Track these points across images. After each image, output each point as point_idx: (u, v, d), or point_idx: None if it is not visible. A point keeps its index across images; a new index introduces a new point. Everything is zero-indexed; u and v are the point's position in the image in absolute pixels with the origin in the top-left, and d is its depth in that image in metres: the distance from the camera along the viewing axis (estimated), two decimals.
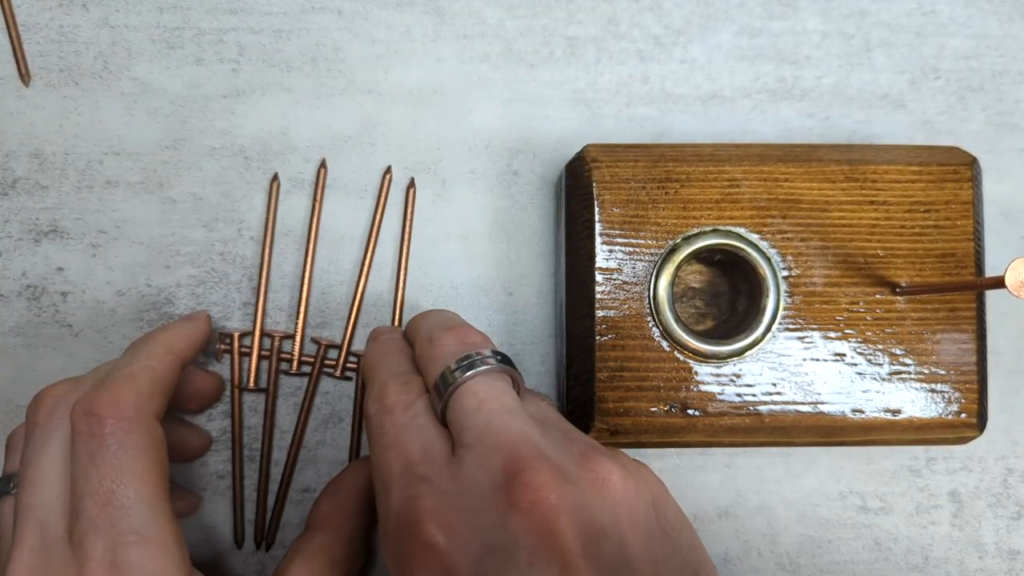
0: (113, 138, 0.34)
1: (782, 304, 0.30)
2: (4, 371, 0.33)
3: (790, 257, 0.30)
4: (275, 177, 0.33)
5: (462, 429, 0.24)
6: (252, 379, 0.33)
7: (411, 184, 0.34)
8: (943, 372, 0.30)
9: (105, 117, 0.34)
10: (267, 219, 0.33)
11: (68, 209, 0.33)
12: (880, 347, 0.30)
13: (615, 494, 0.23)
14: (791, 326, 0.30)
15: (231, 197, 0.34)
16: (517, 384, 0.26)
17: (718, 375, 0.30)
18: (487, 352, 0.26)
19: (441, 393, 0.25)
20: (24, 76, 0.30)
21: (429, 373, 0.26)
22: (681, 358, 0.30)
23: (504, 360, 0.26)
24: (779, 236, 0.30)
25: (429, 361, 0.26)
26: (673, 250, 0.30)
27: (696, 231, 0.30)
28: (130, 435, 0.24)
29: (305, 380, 0.33)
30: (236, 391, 0.33)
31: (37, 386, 0.28)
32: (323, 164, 0.34)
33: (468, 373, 0.25)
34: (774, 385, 0.30)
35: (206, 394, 0.32)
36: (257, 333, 0.33)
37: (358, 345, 0.33)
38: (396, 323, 0.33)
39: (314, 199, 0.34)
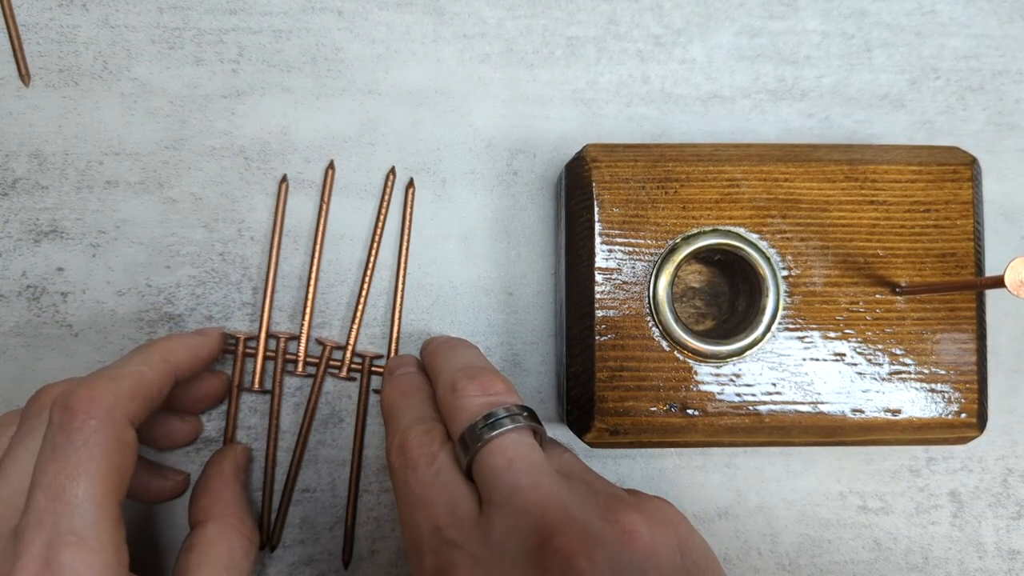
0: (113, 138, 0.34)
1: (782, 304, 0.30)
2: (4, 371, 0.33)
3: (790, 257, 0.30)
4: (284, 178, 0.33)
5: (491, 488, 0.24)
6: (258, 380, 0.33)
7: (410, 184, 0.34)
8: (943, 372, 0.30)
9: (105, 117, 0.34)
10: (275, 220, 0.33)
11: (68, 209, 0.33)
12: (880, 347, 0.30)
13: (642, 547, 0.23)
14: (791, 326, 0.30)
15: (231, 197, 0.34)
16: (540, 438, 0.27)
17: (718, 375, 0.30)
18: (514, 408, 0.26)
19: (467, 448, 0.25)
20: (24, 76, 0.30)
21: (453, 425, 0.26)
22: (681, 358, 0.30)
23: (531, 416, 0.26)
24: (779, 236, 0.30)
25: (453, 411, 0.26)
26: (673, 250, 0.30)
27: (696, 231, 0.30)
28: (96, 434, 0.24)
29: (304, 380, 0.33)
30: (236, 391, 0.33)
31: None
32: (331, 165, 0.34)
33: (496, 432, 0.25)
34: (774, 385, 0.30)
35: (214, 395, 0.32)
36: (263, 334, 0.33)
37: (361, 345, 0.33)
38: (396, 323, 0.33)
39: (321, 200, 0.34)
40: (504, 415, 0.25)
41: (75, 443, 0.23)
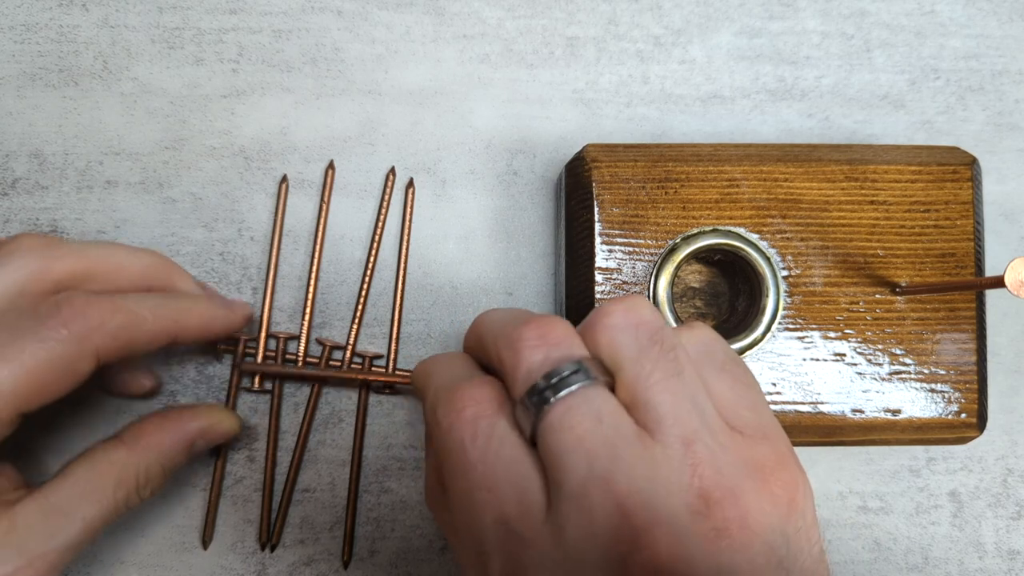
0: (113, 138, 0.34)
1: (782, 304, 0.30)
2: None
3: (790, 257, 0.30)
4: (284, 179, 0.33)
5: (560, 470, 0.20)
6: (258, 380, 0.33)
7: (410, 184, 0.34)
8: (943, 372, 0.30)
9: (105, 117, 0.34)
10: (275, 220, 0.33)
11: (68, 209, 0.33)
12: (880, 347, 0.30)
13: (733, 543, 0.19)
14: (791, 326, 0.30)
15: (231, 197, 0.34)
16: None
17: None
18: (581, 357, 0.21)
19: (528, 412, 0.21)
20: None
21: (513, 386, 0.22)
22: None
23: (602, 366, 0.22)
24: (779, 236, 0.30)
25: (510, 370, 0.22)
26: (673, 250, 0.30)
27: (696, 231, 0.30)
28: (60, 344, 0.24)
29: (305, 381, 0.33)
30: (235, 390, 0.33)
31: None
32: (331, 165, 0.34)
33: (563, 393, 0.21)
34: (774, 385, 0.30)
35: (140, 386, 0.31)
36: (263, 334, 0.33)
37: (361, 345, 0.33)
38: (396, 323, 0.33)
39: (322, 200, 0.34)
40: (572, 369, 0.21)
41: (35, 337, 0.23)
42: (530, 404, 0.21)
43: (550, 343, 0.22)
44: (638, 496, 0.19)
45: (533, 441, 0.21)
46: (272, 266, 0.33)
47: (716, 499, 0.20)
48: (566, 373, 0.21)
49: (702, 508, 0.20)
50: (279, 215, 0.33)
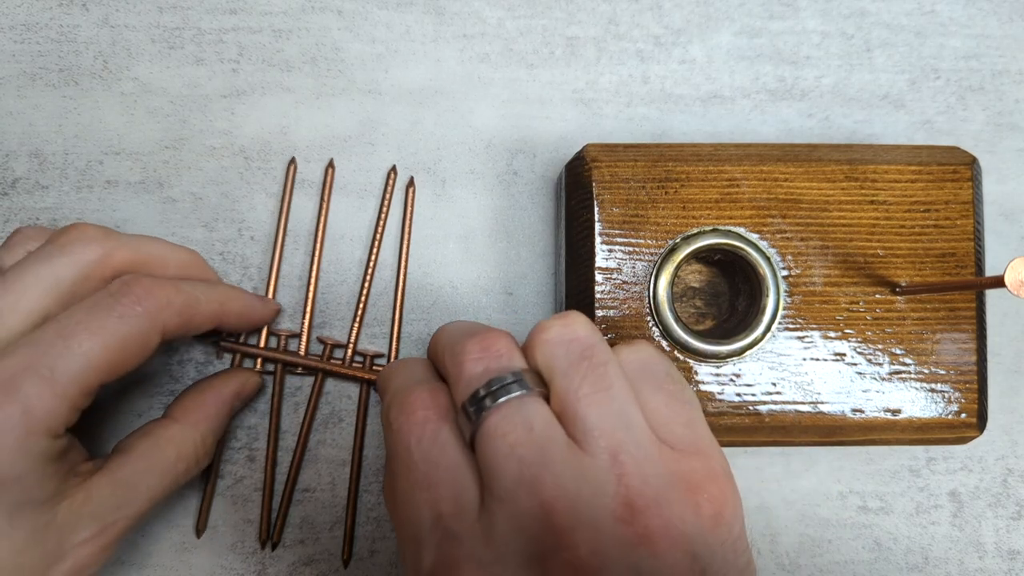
0: (113, 138, 0.34)
1: (782, 304, 0.30)
2: None
3: (790, 257, 0.30)
4: (292, 161, 0.33)
5: (492, 476, 0.22)
6: (259, 363, 0.33)
7: (410, 183, 0.34)
8: (943, 372, 0.30)
9: (105, 117, 0.34)
10: (282, 206, 0.33)
11: (68, 209, 0.33)
12: (880, 347, 0.30)
13: (654, 550, 0.21)
14: (791, 326, 0.30)
15: (231, 197, 0.34)
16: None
17: (718, 375, 0.30)
18: (519, 368, 0.23)
19: (469, 420, 0.23)
20: None
21: (455, 394, 0.24)
22: (681, 358, 0.30)
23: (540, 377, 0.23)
24: (779, 236, 0.30)
25: (455, 381, 0.24)
26: (673, 250, 0.30)
27: (696, 231, 0.30)
28: (136, 319, 0.25)
29: (303, 380, 0.33)
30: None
31: None
32: (331, 164, 0.34)
33: (497, 402, 0.22)
34: (774, 385, 0.30)
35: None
36: (264, 332, 0.33)
37: (363, 344, 0.33)
38: (396, 322, 0.33)
39: (321, 199, 0.34)
40: (509, 380, 0.23)
41: (113, 313, 0.25)
42: (469, 412, 0.23)
43: (491, 355, 0.23)
44: (563, 500, 0.21)
45: (473, 446, 0.23)
46: (276, 258, 0.33)
47: (640, 507, 0.21)
48: (502, 384, 0.22)
49: (626, 515, 0.21)
50: (286, 198, 0.33)
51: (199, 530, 0.32)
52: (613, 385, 0.23)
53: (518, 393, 0.22)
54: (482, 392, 0.23)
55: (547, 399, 0.23)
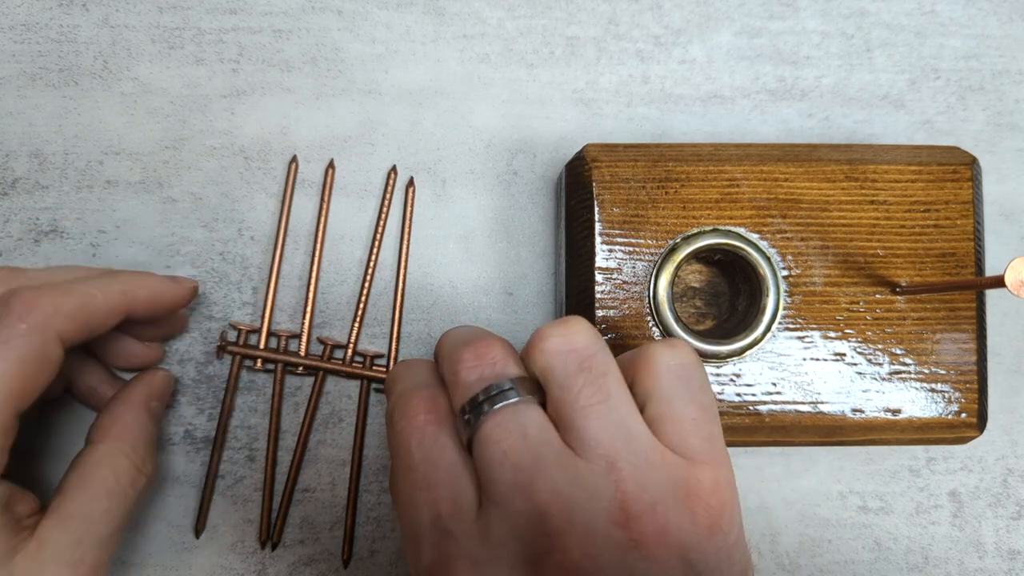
0: (113, 138, 0.34)
1: (782, 304, 0.30)
2: None
3: (790, 257, 0.30)
4: (294, 159, 0.33)
5: (488, 480, 0.22)
6: (260, 362, 0.33)
7: (410, 183, 0.34)
8: (943, 372, 0.30)
9: (105, 117, 0.34)
10: (282, 204, 0.33)
11: (68, 209, 0.33)
12: (880, 347, 0.30)
13: (648, 554, 0.21)
14: (791, 326, 0.30)
15: (231, 197, 0.34)
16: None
17: (718, 375, 0.30)
18: (514, 375, 0.24)
19: (467, 425, 0.23)
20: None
21: (453, 400, 0.24)
22: None
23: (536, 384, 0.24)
24: (779, 236, 0.30)
25: (452, 388, 0.25)
26: (673, 250, 0.30)
27: (696, 231, 0.30)
28: (23, 338, 0.24)
29: (303, 380, 0.33)
30: (233, 389, 0.33)
31: None
32: (331, 165, 0.34)
33: (496, 407, 0.23)
34: (774, 385, 0.30)
35: (169, 333, 0.32)
36: (265, 332, 0.33)
37: (361, 345, 0.33)
38: (396, 323, 0.33)
39: (322, 199, 0.34)
40: (504, 388, 0.23)
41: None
42: (466, 418, 0.23)
43: (485, 363, 0.24)
44: (557, 503, 0.21)
45: (470, 450, 0.23)
46: (277, 256, 0.33)
47: (635, 512, 0.21)
48: (499, 390, 0.23)
49: (621, 519, 0.21)
50: (287, 198, 0.33)
51: (198, 530, 0.32)
52: (611, 396, 0.23)
53: (513, 400, 0.23)
54: (480, 398, 0.23)
55: (543, 405, 0.24)
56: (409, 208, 0.34)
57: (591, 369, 0.23)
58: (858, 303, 0.30)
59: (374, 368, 0.33)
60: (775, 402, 0.30)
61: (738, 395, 0.30)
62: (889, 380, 0.30)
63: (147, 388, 0.30)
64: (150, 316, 0.29)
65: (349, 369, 0.33)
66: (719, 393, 0.30)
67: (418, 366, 0.27)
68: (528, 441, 0.22)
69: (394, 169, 0.34)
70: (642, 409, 0.24)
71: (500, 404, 0.23)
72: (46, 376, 0.25)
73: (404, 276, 0.34)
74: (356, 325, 0.33)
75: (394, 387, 0.26)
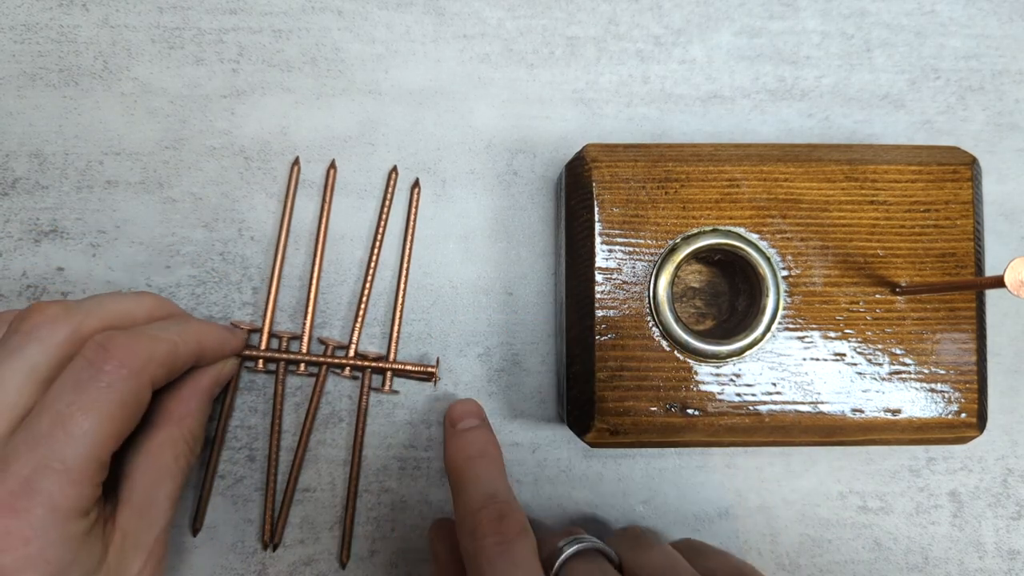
0: (113, 138, 0.34)
1: (782, 304, 0.30)
2: None
3: (790, 257, 0.30)
4: (296, 160, 0.33)
5: None
6: (261, 363, 0.33)
7: (415, 184, 0.34)
8: (943, 372, 0.30)
9: (105, 117, 0.34)
10: (284, 204, 0.33)
11: (68, 209, 0.33)
12: (880, 347, 0.30)
13: None
14: (791, 326, 0.30)
15: (231, 197, 0.34)
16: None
17: (718, 375, 0.30)
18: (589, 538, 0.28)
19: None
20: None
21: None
22: (681, 358, 0.30)
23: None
24: (779, 236, 0.30)
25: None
26: (673, 250, 0.30)
27: (696, 231, 0.30)
28: (123, 382, 0.25)
29: (303, 380, 0.33)
30: (233, 387, 0.33)
31: None
32: (332, 165, 0.34)
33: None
34: (774, 385, 0.30)
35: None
36: (266, 333, 0.33)
37: (364, 345, 0.33)
38: (397, 323, 0.33)
39: (323, 200, 0.34)
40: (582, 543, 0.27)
41: (100, 383, 0.24)
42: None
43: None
44: None
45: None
46: (279, 256, 0.33)
47: None
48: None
49: None
50: (289, 198, 0.33)
51: (195, 529, 0.32)
52: None
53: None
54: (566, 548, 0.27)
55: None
56: (414, 208, 0.34)
57: None
58: (858, 303, 0.30)
59: (374, 369, 0.33)
60: (775, 402, 0.30)
61: (738, 395, 0.30)
62: (889, 380, 0.30)
63: (216, 376, 0.31)
64: (210, 362, 0.30)
65: (349, 362, 0.33)
66: (719, 393, 0.30)
67: (491, 462, 0.29)
68: None
69: (395, 169, 0.34)
70: None
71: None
72: (137, 418, 0.26)
73: (406, 276, 0.34)
74: (357, 325, 0.33)
75: (461, 495, 0.28)
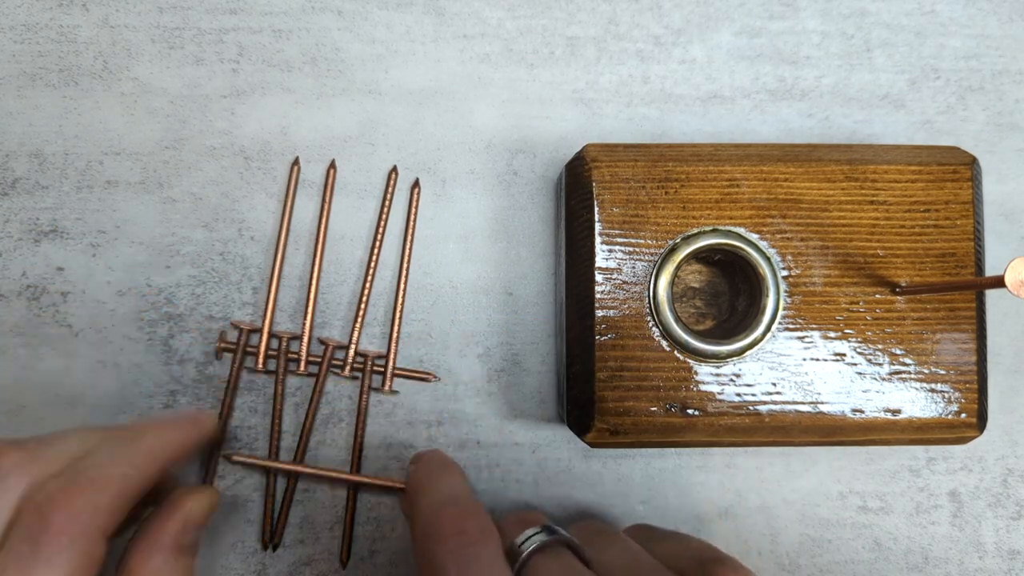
0: (113, 138, 0.34)
1: (782, 304, 0.30)
2: (4, 371, 0.33)
3: (790, 257, 0.30)
4: (296, 161, 0.33)
5: None
6: (262, 361, 0.33)
7: (416, 184, 0.34)
8: (943, 372, 0.30)
9: (105, 117, 0.34)
10: (284, 204, 0.33)
11: (68, 209, 0.33)
12: (880, 347, 0.30)
13: None
14: (791, 326, 0.30)
15: (231, 197, 0.34)
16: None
17: (718, 375, 0.30)
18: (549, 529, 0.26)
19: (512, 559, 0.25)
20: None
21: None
22: (681, 358, 0.30)
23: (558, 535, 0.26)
24: (779, 236, 0.30)
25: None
26: (673, 250, 0.30)
27: (696, 231, 0.30)
28: (66, 551, 0.22)
29: (303, 380, 0.33)
30: (233, 386, 0.33)
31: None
32: (332, 165, 0.34)
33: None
34: (774, 385, 0.30)
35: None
36: (266, 333, 0.33)
37: (364, 345, 0.33)
38: (397, 323, 0.33)
39: (323, 200, 0.34)
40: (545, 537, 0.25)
41: (40, 559, 0.22)
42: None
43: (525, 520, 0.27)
44: None
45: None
46: (279, 256, 0.33)
47: None
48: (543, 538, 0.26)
49: None
50: (289, 198, 0.33)
51: None
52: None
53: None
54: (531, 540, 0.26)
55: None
56: (414, 208, 0.34)
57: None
58: (858, 303, 0.30)
59: (375, 368, 0.33)
60: (775, 402, 0.30)
61: (738, 395, 0.30)
62: (889, 380, 0.30)
63: (180, 522, 0.26)
64: (185, 463, 0.28)
65: (350, 357, 0.33)
66: (719, 393, 0.30)
67: (451, 473, 0.28)
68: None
69: (395, 169, 0.34)
70: None
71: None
72: (97, 571, 0.23)
73: (406, 276, 0.34)
74: (357, 326, 0.33)
75: (429, 494, 0.27)
